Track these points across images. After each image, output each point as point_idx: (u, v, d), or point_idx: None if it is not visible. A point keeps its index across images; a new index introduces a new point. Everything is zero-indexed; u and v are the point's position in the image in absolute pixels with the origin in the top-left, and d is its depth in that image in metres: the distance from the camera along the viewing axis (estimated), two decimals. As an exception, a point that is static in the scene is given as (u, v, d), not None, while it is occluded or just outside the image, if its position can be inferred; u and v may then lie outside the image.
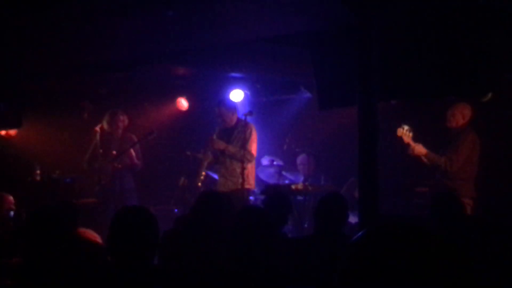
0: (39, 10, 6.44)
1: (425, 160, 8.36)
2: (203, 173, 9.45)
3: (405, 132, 8.33)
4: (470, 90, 6.60)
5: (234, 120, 9.16)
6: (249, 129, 8.95)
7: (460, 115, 8.29)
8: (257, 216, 4.27)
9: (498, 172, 8.52)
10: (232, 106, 9.29)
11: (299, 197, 9.97)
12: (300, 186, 9.94)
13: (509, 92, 8.31)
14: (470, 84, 6.26)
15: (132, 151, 9.70)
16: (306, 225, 9.61)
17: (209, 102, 10.89)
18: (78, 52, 8.51)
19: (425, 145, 8.30)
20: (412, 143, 8.28)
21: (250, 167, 9.02)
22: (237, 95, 10.87)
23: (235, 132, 9.08)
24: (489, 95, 8.26)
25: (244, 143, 8.83)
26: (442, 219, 5.53)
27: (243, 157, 8.76)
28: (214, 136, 9.11)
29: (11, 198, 7.61)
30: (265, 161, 10.73)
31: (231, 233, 4.16)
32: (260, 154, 9.98)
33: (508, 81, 7.63)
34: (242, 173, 8.71)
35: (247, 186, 8.83)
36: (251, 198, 9.66)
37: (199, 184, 9.31)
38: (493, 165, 8.44)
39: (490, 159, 8.36)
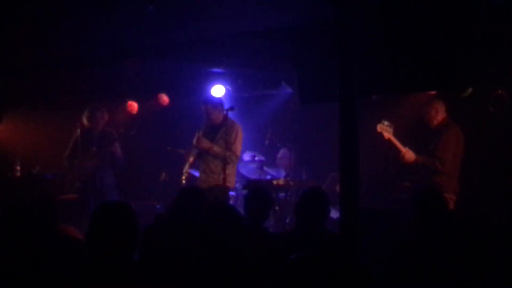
0: (17, 5, 6.40)
1: (415, 163, 8.35)
2: (187, 170, 9.39)
3: (385, 127, 8.33)
4: (451, 85, 6.63)
5: (221, 117, 9.03)
6: (235, 130, 8.90)
7: (434, 111, 8.30)
8: (222, 211, 4.27)
9: (480, 167, 8.56)
10: (219, 104, 9.18)
11: (281, 193, 9.96)
12: (281, 181, 9.94)
13: (490, 87, 8.35)
14: (450, 79, 6.28)
15: (113, 147, 9.63)
16: (288, 221, 9.60)
17: (190, 97, 10.86)
18: (58, 47, 8.47)
19: (408, 141, 8.32)
20: (402, 149, 8.27)
21: (232, 166, 8.97)
22: (218, 91, 10.83)
23: (221, 131, 8.96)
24: (469, 90, 8.30)
25: (229, 144, 8.75)
26: (423, 214, 5.51)
27: (226, 158, 8.67)
28: (200, 134, 9.03)
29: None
30: (246, 156, 10.73)
31: (201, 230, 4.17)
32: (242, 150, 9.96)
33: (489, 76, 7.67)
34: (224, 171, 8.65)
35: (227, 184, 8.78)
36: (233, 193, 9.65)
37: (184, 181, 9.25)
38: (475, 160, 8.46)
39: (472, 154, 8.38)
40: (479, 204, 8.22)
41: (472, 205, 8.23)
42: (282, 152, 10.79)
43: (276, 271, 2.08)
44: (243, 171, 10.63)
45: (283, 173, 10.48)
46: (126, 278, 3.53)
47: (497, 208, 7.81)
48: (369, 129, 8.45)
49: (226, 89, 11.06)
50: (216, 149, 8.86)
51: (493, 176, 8.49)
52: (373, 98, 9.07)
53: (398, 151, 8.33)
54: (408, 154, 8.26)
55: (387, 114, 8.63)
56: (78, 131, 9.48)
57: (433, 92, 8.50)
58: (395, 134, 8.35)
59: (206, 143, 8.93)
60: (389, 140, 8.35)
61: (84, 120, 9.61)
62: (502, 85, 8.38)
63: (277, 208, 9.61)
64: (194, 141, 9.05)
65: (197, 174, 9.43)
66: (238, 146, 8.96)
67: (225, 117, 8.94)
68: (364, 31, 6.02)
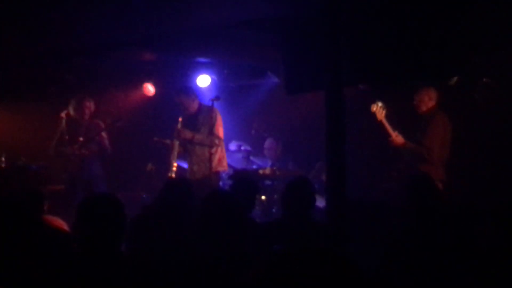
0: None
1: (403, 149, 8.38)
2: (175, 164, 9.35)
3: (378, 108, 8.35)
4: (436, 74, 6.63)
5: (196, 106, 9.14)
6: (213, 114, 8.95)
7: (427, 97, 8.33)
8: (224, 200, 4.25)
9: (465, 155, 8.58)
10: (192, 93, 9.24)
11: (267, 182, 9.97)
12: (267, 171, 9.95)
13: (476, 75, 8.37)
14: (435, 68, 6.28)
15: (100, 137, 9.60)
16: (274, 210, 9.62)
17: (176, 87, 10.83)
18: (43, 38, 8.41)
19: (397, 128, 8.34)
20: (392, 134, 8.29)
21: (220, 150, 9.03)
22: (204, 80, 10.82)
23: (199, 118, 9.06)
24: (455, 79, 8.32)
25: (210, 128, 8.81)
26: (415, 203, 5.48)
27: (211, 142, 8.76)
28: (179, 126, 9.04)
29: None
30: (232, 146, 10.73)
31: (198, 218, 4.14)
32: (228, 140, 9.97)
33: (474, 64, 7.68)
34: (210, 157, 8.70)
35: (220, 169, 8.88)
36: (219, 183, 9.66)
37: (172, 175, 9.22)
38: (461, 148, 8.49)
39: (457, 142, 8.41)
40: (465, 192, 8.25)
41: (458, 193, 8.26)
42: (268, 142, 10.79)
43: (260, 262, 2.07)
44: (229, 160, 10.62)
45: (269, 162, 10.49)
46: (113, 269, 3.53)
47: (483, 196, 7.84)
48: (356, 118, 8.46)
49: (212, 79, 11.04)
50: (199, 136, 8.92)
51: (479, 164, 8.52)
52: (360, 87, 9.08)
53: (388, 135, 8.35)
54: (398, 138, 8.29)
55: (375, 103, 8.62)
56: (64, 121, 9.43)
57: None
58: (387, 119, 8.36)
59: (187, 134, 8.98)
60: (380, 122, 8.36)
61: (71, 111, 9.55)
62: (487, 73, 8.40)
63: (263, 197, 9.62)
64: (175, 135, 9.07)
65: (185, 165, 9.43)
66: (220, 128, 9.04)
67: (200, 104, 9.01)
68: (351, 20, 6.01)
